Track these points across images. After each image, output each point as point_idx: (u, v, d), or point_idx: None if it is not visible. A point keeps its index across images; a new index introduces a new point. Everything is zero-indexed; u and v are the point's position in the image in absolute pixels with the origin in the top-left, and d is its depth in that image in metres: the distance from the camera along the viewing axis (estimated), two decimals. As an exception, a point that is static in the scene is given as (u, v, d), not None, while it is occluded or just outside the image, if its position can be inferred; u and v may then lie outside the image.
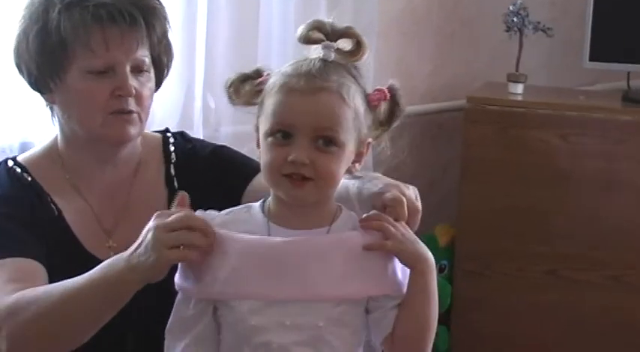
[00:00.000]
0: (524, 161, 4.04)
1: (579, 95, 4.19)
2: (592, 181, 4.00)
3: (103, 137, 2.39)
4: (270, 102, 1.98)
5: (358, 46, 2.05)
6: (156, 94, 2.48)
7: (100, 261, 2.26)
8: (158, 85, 2.51)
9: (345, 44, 2.05)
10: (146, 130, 2.56)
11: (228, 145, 3.66)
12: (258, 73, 2.05)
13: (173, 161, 2.56)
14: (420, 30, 4.38)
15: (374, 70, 3.90)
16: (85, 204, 2.46)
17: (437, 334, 4.02)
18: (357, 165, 2.10)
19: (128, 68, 2.37)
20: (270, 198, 2.05)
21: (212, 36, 3.68)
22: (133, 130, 2.41)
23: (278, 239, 1.99)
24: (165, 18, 2.45)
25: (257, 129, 2.03)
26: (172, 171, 2.55)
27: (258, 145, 2.03)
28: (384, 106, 2.14)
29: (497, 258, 4.09)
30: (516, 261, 4.08)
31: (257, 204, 2.07)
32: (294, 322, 1.98)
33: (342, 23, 2.09)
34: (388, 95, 2.13)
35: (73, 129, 2.42)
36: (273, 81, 1.99)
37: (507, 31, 4.15)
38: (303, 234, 2.02)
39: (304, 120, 1.95)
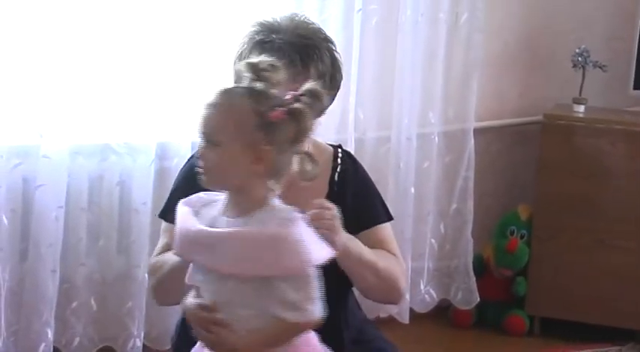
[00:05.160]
0: (583, 160, 4.02)
1: (625, 114, 4.15)
2: (633, 176, 3.98)
3: None
4: None
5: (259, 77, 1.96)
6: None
7: None
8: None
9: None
10: (321, 140, 2.48)
11: (373, 145, 3.86)
12: None
13: (338, 171, 2.42)
14: (510, 65, 4.36)
15: (477, 93, 4.03)
16: None
17: (518, 283, 4.17)
18: (258, 167, 1.93)
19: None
20: None
21: (362, 70, 3.73)
22: None
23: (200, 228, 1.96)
24: (322, 60, 2.31)
25: None
26: (336, 177, 2.41)
27: None
28: (289, 127, 1.92)
29: (562, 229, 4.05)
30: (576, 231, 4.04)
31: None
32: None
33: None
34: (285, 116, 1.91)
35: None
36: None
37: (574, 67, 4.13)
38: (229, 223, 1.96)
39: (200, 126, 1.95)
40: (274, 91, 1.95)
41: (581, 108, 4.13)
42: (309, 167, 1.98)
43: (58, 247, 3.22)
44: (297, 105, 1.93)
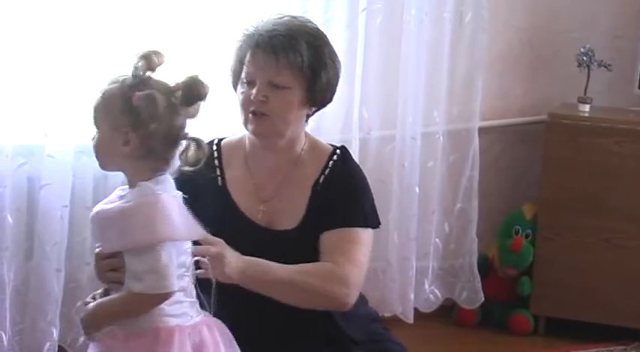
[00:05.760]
0: (588, 159, 4.01)
1: (629, 113, 4.13)
2: (638, 175, 3.98)
3: (247, 129, 2.38)
4: None
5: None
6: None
7: (251, 220, 2.33)
8: (318, 105, 2.41)
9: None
10: (322, 141, 2.51)
11: (377, 145, 3.85)
12: None
13: (325, 174, 2.41)
14: (515, 64, 4.35)
15: (481, 92, 4.02)
16: (248, 177, 2.41)
17: (522, 282, 4.16)
18: (127, 149, 2.01)
19: (265, 82, 2.30)
20: None
21: (366, 69, 3.73)
22: (259, 127, 2.33)
23: None
24: (296, 51, 2.31)
25: None
26: (321, 180, 2.40)
27: None
28: (149, 110, 2.00)
29: (567, 228, 4.05)
30: (581, 231, 4.03)
31: None
32: None
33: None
34: (144, 99, 1.99)
35: None
36: None
37: (579, 66, 4.11)
38: None
39: None
40: (154, 78, 2.04)
41: (586, 107, 4.12)
42: (191, 152, 2.04)
43: (63, 246, 3.23)
44: (148, 91, 2.00)
